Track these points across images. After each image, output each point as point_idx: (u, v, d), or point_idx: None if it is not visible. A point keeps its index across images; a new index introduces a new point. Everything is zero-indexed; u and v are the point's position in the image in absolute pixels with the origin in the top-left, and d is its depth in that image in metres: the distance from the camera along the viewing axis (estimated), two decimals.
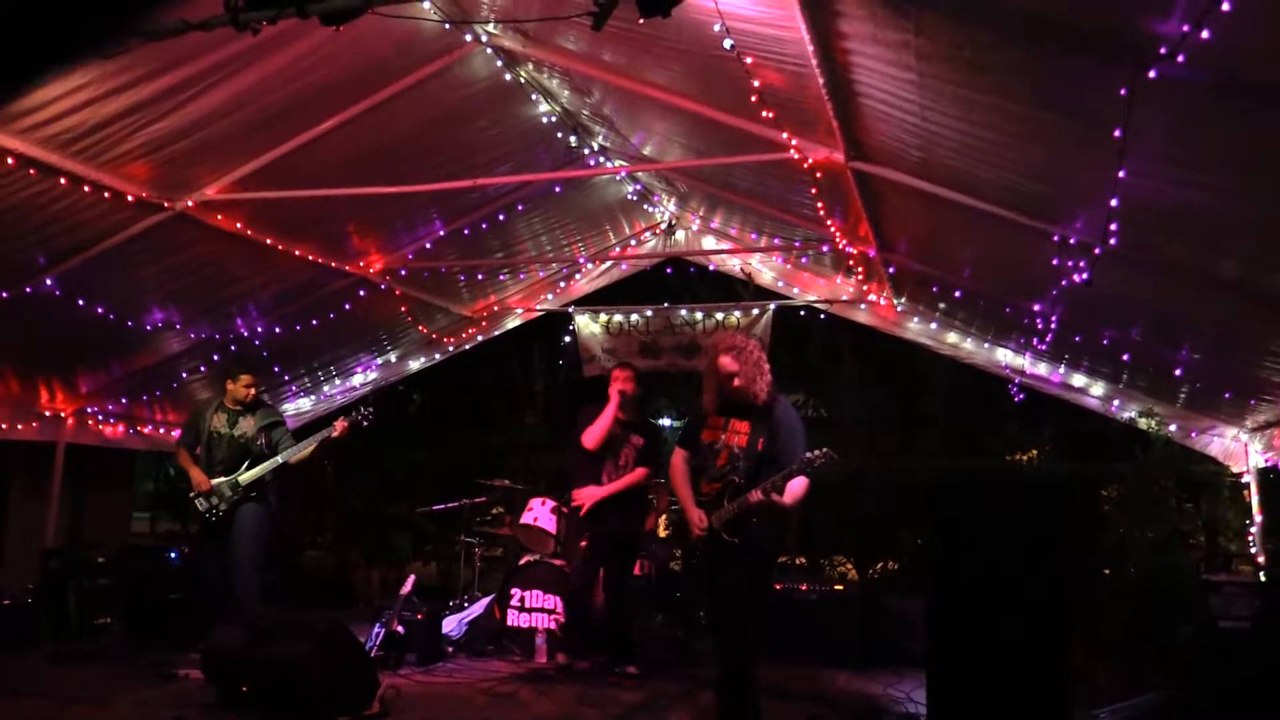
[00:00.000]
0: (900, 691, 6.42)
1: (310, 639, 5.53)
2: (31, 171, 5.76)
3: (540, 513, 8.05)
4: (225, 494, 7.02)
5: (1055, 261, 5.73)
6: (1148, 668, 6.69)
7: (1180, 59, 3.18)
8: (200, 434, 7.22)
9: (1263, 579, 7.29)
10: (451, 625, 8.06)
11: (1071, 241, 5.33)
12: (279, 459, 7.11)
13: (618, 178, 8.98)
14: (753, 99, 5.47)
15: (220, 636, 5.77)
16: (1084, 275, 5.21)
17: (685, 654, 7.68)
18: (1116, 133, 3.85)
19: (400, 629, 7.21)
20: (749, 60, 5.09)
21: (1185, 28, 3.02)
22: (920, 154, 5.40)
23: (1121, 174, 4.09)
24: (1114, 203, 4.32)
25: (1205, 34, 2.95)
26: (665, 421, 17.05)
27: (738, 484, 5.07)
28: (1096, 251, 4.97)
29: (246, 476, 7.05)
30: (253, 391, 7.31)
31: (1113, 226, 4.53)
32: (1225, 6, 2.77)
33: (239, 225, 7.20)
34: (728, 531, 5.05)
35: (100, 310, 7.46)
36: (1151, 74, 3.40)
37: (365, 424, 7.28)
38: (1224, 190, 4.19)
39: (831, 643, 7.67)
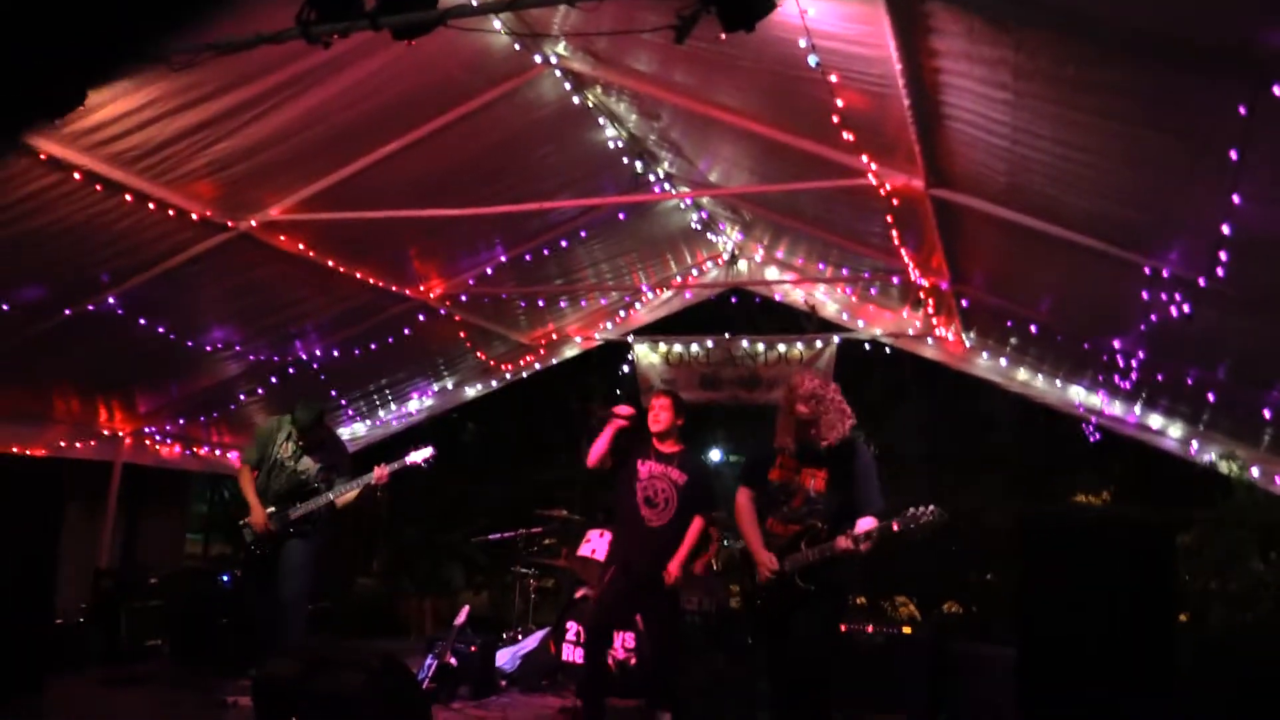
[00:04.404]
0: None
1: (364, 672, 5.36)
2: (97, 188, 5.70)
3: (599, 545, 7.81)
4: (273, 528, 6.67)
5: (1145, 295, 5.46)
6: None
7: None
8: (266, 459, 6.85)
9: None
10: (505, 658, 7.86)
11: (1165, 274, 5.07)
12: (329, 495, 6.71)
13: (682, 205, 8.83)
14: (835, 120, 5.28)
15: (273, 666, 5.63)
16: (1185, 308, 4.94)
17: (747, 695, 7.39)
18: (1233, 154, 3.62)
19: (453, 661, 7.02)
20: (834, 79, 4.90)
21: None
22: (1007, 179, 5.17)
23: (1236, 199, 3.85)
24: (1226, 230, 4.06)
25: None
26: (717, 454, 16.76)
27: (819, 529, 4.94)
28: (1201, 284, 4.69)
29: (298, 513, 6.70)
30: (303, 441, 6.83)
31: (1222, 256, 4.27)
32: None
33: (301, 246, 7.13)
34: (803, 578, 4.90)
35: (161, 330, 7.40)
36: (1277, 90, 3.18)
37: (427, 467, 6.84)
38: None
39: (897, 689, 7.35)
